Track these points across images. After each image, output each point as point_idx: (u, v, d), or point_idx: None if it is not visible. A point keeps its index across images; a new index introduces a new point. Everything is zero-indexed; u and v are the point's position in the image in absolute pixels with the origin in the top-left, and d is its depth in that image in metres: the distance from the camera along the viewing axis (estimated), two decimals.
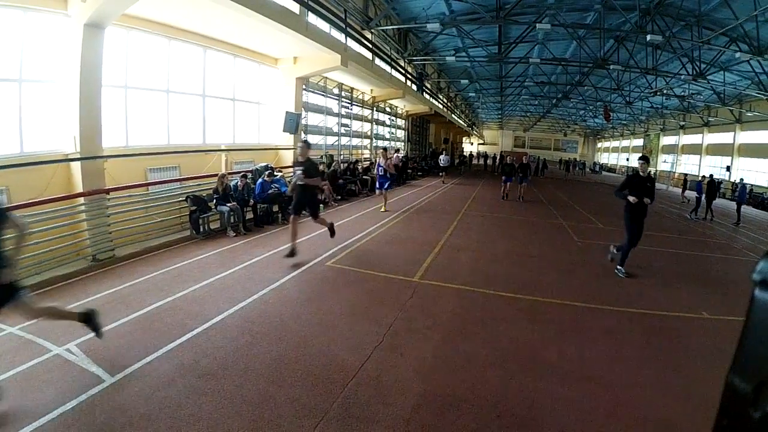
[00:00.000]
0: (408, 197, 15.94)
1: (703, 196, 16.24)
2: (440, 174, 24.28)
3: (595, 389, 3.75)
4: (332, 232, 7.82)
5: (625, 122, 47.93)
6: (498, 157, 39.06)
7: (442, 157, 25.10)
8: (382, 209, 12.30)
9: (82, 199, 6.90)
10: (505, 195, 16.81)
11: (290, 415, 3.19)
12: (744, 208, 16.45)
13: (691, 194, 18.97)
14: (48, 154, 7.06)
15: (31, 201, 6.18)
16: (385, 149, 13.34)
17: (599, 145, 67.42)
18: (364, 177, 16.46)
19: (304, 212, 7.23)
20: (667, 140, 42.56)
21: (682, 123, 36.34)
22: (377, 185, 12.85)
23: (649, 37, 15.48)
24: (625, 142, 55.90)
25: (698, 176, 19.60)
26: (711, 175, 16.99)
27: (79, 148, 6.94)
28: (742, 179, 16.88)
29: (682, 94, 27.07)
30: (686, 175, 27.14)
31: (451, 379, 3.78)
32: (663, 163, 42.07)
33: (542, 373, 3.97)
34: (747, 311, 1.36)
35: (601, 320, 5.37)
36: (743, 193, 16.31)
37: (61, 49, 7.02)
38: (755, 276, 1.32)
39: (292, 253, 6.98)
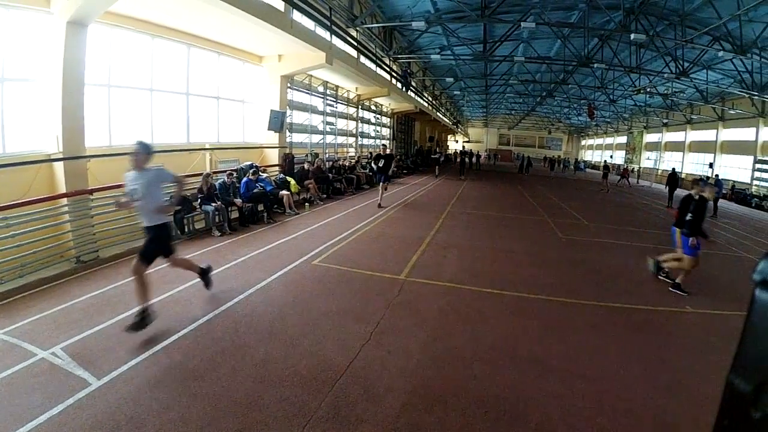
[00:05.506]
0: (394, 195, 16.01)
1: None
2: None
3: (581, 383, 3.86)
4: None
5: (608, 120, 48.61)
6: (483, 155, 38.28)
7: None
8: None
9: (65, 200, 6.80)
10: None
11: (279, 415, 3.23)
12: (727, 204, 17.56)
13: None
14: (30, 155, 6.91)
15: (13, 202, 6.06)
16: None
17: (583, 142, 68.28)
18: (349, 176, 16.45)
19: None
20: (650, 138, 43.33)
21: (665, 121, 36.95)
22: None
23: (633, 36, 15.66)
24: (608, 140, 56.84)
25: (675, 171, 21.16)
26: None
27: (61, 148, 6.83)
28: (717, 175, 17.67)
29: (666, 92, 27.52)
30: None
31: (439, 376, 3.87)
32: (646, 161, 42.92)
33: (528, 368, 4.09)
34: (747, 311, 1.38)
35: (586, 315, 5.54)
36: (719, 188, 16.99)
37: (43, 47, 6.88)
38: (755, 276, 1.34)
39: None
